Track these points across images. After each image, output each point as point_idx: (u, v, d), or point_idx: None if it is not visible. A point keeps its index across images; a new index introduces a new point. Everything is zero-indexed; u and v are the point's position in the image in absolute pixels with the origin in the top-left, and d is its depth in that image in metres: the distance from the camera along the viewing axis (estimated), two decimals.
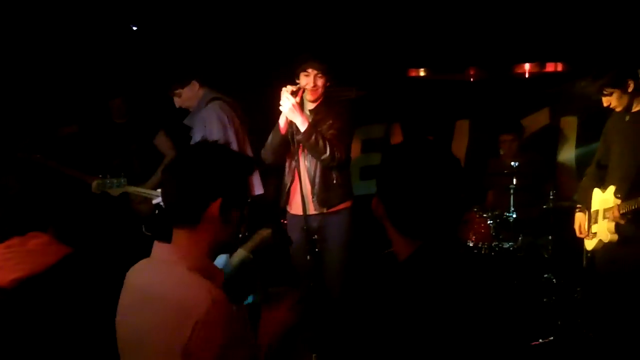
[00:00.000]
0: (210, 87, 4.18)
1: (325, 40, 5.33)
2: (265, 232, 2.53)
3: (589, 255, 4.06)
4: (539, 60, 5.87)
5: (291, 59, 3.85)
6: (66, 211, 2.41)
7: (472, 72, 6.25)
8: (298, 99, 3.70)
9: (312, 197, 3.83)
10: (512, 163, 4.89)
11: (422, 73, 6.45)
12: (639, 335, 3.53)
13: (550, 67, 5.89)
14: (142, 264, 1.93)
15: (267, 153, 3.96)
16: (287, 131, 3.78)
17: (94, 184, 4.23)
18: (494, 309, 1.68)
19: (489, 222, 4.91)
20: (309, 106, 3.87)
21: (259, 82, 5.20)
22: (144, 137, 4.94)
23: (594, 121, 4.09)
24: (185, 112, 4.23)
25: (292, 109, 3.64)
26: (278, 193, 4.19)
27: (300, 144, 3.79)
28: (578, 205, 3.98)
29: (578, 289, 4.73)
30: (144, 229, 1.80)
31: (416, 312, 1.57)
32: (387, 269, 1.72)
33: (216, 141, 2.00)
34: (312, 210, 3.83)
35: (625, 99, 3.55)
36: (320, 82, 3.77)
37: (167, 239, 1.87)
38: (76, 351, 2.08)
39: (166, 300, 1.75)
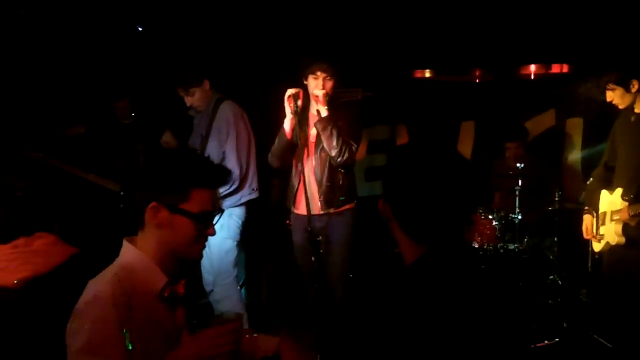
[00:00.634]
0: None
1: (331, 42, 5.33)
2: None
3: (596, 257, 4.06)
4: (545, 61, 5.86)
5: (297, 61, 3.87)
6: (72, 211, 2.42)
7: (477, 74, 6.24)
8: (300, 102, 3.71)
9: (319, 198, 3.85)
10: (518, 165, 4.89)
11: (427, 74, 6.45)
12: None
13: (555, 69, 5.88)
14: None
15: (273, 158, 3.99)
16: (292, 135, 3.80)
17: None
18: (500, 314, 1.66)
19: (494, 223, 4.91)
20: (316, 108, 3.88)
21: (264, 85, 5.20)
22: (150, 137, 4.95)
23: (600, 123, 4.10)
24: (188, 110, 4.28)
25: (324, 97, 3.71)
26: (284, 195, 4.21)
27: (305, 146, 3.81)
28: (586, 207, 3.98)
29: (583, 290, 4.73)
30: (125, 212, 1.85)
31: (424, 317, 1.55)
32: (394, 271, 1.72)
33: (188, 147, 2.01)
34: (317, 210, 3.85)
35: (628, 98, 3.58)
36: (328, 84, 3.78)
37: None
38: None
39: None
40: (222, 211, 2.06)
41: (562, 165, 5.82)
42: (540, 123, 5.95)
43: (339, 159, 3.76)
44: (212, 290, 4.17)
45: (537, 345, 4.23)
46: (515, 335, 1.68)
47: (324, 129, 3.73)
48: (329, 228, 3.89)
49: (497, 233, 4.88)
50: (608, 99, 3.66)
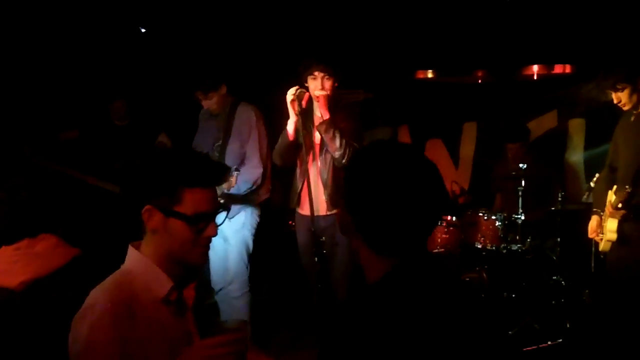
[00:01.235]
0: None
1: (333, 43, 5.34)
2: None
3: (601, 257, 4.05)
4: (547, 62, 5.86)
5: (300, 63, 3.88)
6: (75, 213, 2.43)
7: (479, 75, 6.24)
8: (304, 102, 3.73)
9: (325, 198, 3.86)
10: (520, 165, 4.88)
11: (429, 75, 6.45)
12: None
13: (558, 69, 5.88)
14: None
15: (276, 156, 4.03)
16: (294, 137, 3.81)
17: None
18: (484, 337, 1.44)
19: (497, 224, 4.91)
20: (318, 110, 3.89)
21: (267, 87, 5.21)
22: (145, 139, 4.96)
23: (602, 123, 4.09)
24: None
25: (324, 97, 3.73)
26: (286, 196, 4.25)
27: (310, 148, 3.82)
28: (594, 209, 3.97)
29: (586, 291, 4.72)
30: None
31: (394, 346, 1.34)
32: (357, 292, 1.58)
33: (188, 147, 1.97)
34: (322, 211, 3.86)
35: (635, 97, 3.57)
36: (327, 84, 3.79)
37: None
38: None
39: None
40: (226, 209, 1.99)
41: (564, 166, 5.82)
42: (543, 124, 5.95)
43: (343, 161, 3.76)
44: (222, 289, 4.18)
45: (540, 346, 4.23)
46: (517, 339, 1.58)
47: (326, 131, 3.74)
48: (335, 228, 3.89)
49: (499, 234, 4.88)
50: (615, 101, 3.63)
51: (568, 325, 4.40)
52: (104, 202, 4.53)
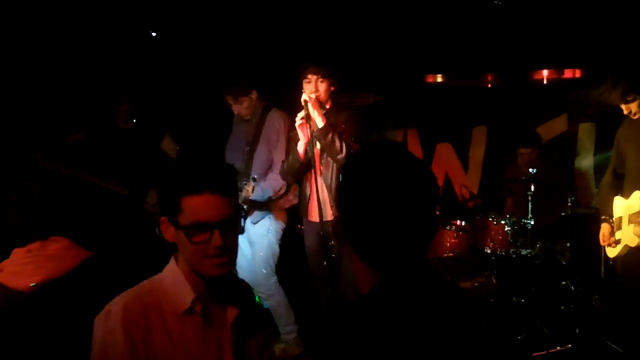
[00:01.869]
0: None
1: (343, 47, 5.35)
2: None
3: (610, 263, 4.03)
4: (557, 66, 5.84)
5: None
6: (86, 216, 2.44)
7: (489, 79, 6.23)
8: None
9: (331, 203, 3.85)
10: (530, 170, 4.87)
11: (439, 79, 6.45)
12: None
13: (568, 74, 5.86)
14: None
15: (287, 176, 4.01)
16: (305, 157, 3.79)
17: None
18: (478, 349, 1.35)
19: (506, 228, 4.89)
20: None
21: (271, 89, 5.22)
22: (150, 141, 4.98)
23: (612, 127, 4.06)
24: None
25: (314, 103, 3.68)
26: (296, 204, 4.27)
27: (317, 158, 3.81)
28: (603, 217, 3.93)
29: (596, 296, 4.70)
30: (157, 231, 1.74)
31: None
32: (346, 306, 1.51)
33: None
34: (330, 216, 3.84)
35: None
36: (322, 86, 3.76)
37: None
38: None
39: None
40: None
41: (574, 170, 5.79)
42: (553, 128, 5.92)
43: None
44: None
45: (550, 351, 4.21)
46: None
47: (323, 138, 3.70)
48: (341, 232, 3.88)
49: (509, 238, 4.87)
50: (625, 112, 3.59)
51: (577, 331, 4.38)
52: (115, 205, 4.55)
